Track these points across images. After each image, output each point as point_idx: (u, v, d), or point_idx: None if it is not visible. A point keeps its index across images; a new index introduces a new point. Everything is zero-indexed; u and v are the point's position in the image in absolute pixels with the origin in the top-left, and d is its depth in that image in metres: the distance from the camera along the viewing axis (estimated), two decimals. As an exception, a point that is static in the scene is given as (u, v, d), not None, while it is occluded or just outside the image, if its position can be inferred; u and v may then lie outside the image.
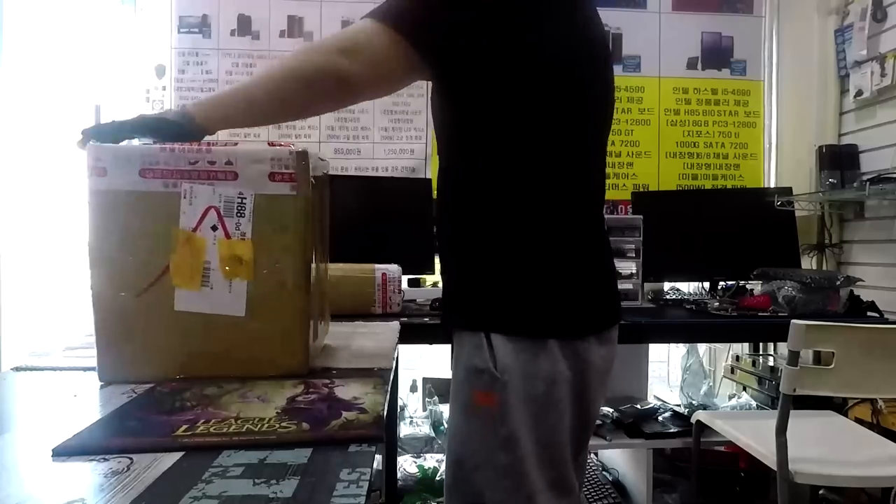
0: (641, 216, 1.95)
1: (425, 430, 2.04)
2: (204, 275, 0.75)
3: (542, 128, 0.82)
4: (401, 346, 1.15)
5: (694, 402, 2.11)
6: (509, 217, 0.82)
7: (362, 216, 1.94)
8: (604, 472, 2.12)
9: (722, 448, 1.95)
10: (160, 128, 0.75)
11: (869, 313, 1.76)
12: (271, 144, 0.77)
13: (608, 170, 2.47)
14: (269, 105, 0.81)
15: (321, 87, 0.78)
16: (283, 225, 0.76)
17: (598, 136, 0.90)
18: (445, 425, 1.98)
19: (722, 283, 2.09)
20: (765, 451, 1.36)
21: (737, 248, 2.11)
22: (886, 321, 1.68)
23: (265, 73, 0.81)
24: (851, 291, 1.81)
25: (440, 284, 2.17)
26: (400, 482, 1.87)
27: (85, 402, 0.67)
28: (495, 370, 0.79)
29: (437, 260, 2.12)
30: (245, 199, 0.75)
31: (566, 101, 0.83)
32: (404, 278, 1.72)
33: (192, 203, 0.74)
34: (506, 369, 0.79)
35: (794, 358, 1.28)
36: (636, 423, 1.89)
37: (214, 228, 0.75)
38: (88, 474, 0.48)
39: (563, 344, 0.81)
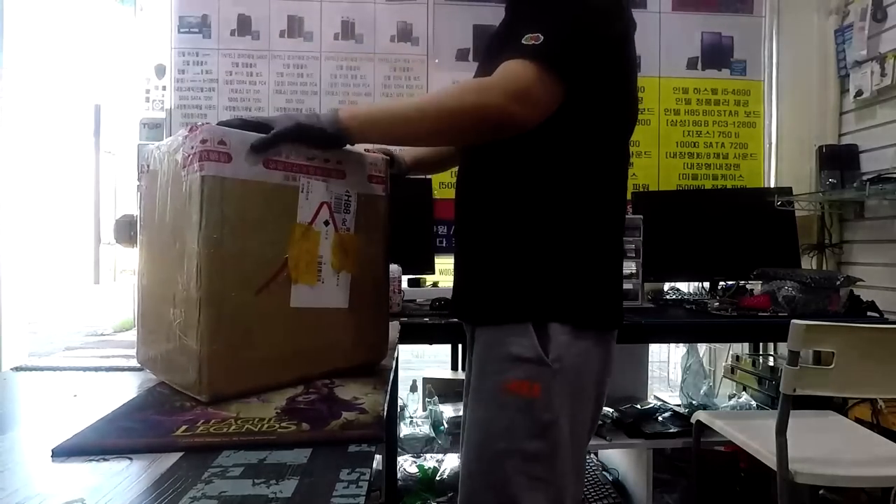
0: (641, 216, 1.95)
1: (425, 430, 2.04)
2: (319, 269, 0.76)
3: (611, 138, 0.90)
4: (401, 346, 1.15)
5: (694, 402, 2.10)
6: (569, 215, 0.87)
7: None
8: (604, 472, 2.12)
9: (722, 448, 1.95)
10: (316, 136, 0.75)
11: (869, 313, 1.76)
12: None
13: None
14: (424, 134, 0.85)
15: (485, 126, 0.81)
16: (375, 223, 0.83)
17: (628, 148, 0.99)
18: (445, 425, 1.98)
19: (722, 283, 2.09)
20: (765, 451, 1.36)
21: (737, 248, 2.11)
22: (886, 321, 1.68)
23: (430, 101, 0.87)
24: (851, 291, 1.81)
25: (440, 284, 2.17)
26: (400, 482, 1.87)
27: (85, 402, 0.67)
28: (546, 358, 0.81)
29: (436, 259, 2.12)
30: (351, 196, 0.80)
31: (629, 115, 0.93)
32: (404, 278, 1.72)
33: (309, 198, 0.75)
34: (559, 358, 0.82)
35: (794, 358, 1.28)
36: (636, 423, 1.89)
37: (326, 223, 0.77)
38: (88, 474, 0.48)
39: (599, 335, 0.87)
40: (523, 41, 0.79)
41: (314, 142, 0.75)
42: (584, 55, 0.81)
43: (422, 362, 2.28)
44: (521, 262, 0.86)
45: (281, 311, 0.71)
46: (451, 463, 1.92)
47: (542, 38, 0.78)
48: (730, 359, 2.34)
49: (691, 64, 2.47)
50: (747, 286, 2.04)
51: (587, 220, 0.88)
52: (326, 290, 0.76)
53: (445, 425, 1.97)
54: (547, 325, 0.82)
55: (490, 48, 0.97)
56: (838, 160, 2.06)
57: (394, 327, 1.22)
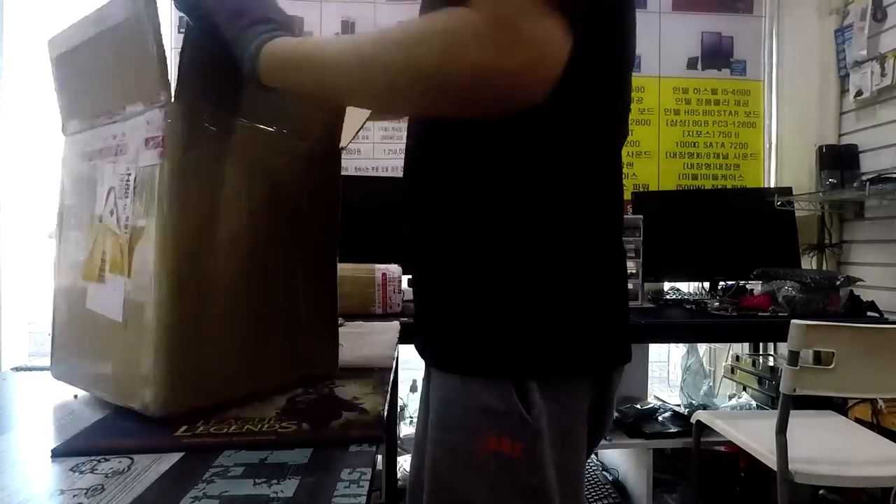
0: (641, 216, 1.95)
1: (425, 430, 2.04)
2: (101, 268, 0.62)
3: (606, 129, 0.67)
4: (401, 346, 1.15)
5: (694, 402, 2.11)
6: (551, 233, 0.64)
7: (362, 216, 1.94)
8: (604, 472, 2.12)
9: (722, 448, 1.95)
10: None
11: (869, 313, 1.76)
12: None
13: (608, 170, 2.47)
14: (365, 98, 0.62)
15: (457, 97, 0.51)
16: (147, 208, 0.57)
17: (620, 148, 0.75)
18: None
19: (722, 283, 2.09)
20: (765, 451, 1.36)
21: (737, 248, 2.11)
22: (886, 321, 1.68)
23: (379, 51, 0.53)
24: (851, 291, 1.81)
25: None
26: (400, 482, 1.87)
27: (85, 402, 0.67)
28: (528, 416, 0.62)
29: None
30: (130, 175, 0.59)
31: (619, 103, 0.69)
32: (404, 278, 1.71)
33: (102, 184, 0.63)
34: (541, 415, 0.63)
35: (794, 358, 1.28)
36: (636, 423, 1.89)
37: (112, 213, 0.61)
38: (89, 474, 0.48)
39: (595, 378, 0.69)
40: None
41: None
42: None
43: (422, 362, 2.27)
44: (495, 298, 0.64)
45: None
46: (451, 463, 1.92)
47: None
48: (730, 359, 2.34)
49: (691, 64, 2.47)
50: (747, 286, 2.04)
51: (579, 239, 0.65)
52: (104, 295, 0.62)
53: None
54: (528, 381, 0.63)
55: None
56: (838, 160, 2.06)
57: (394, 327, 1.22)
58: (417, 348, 0.77)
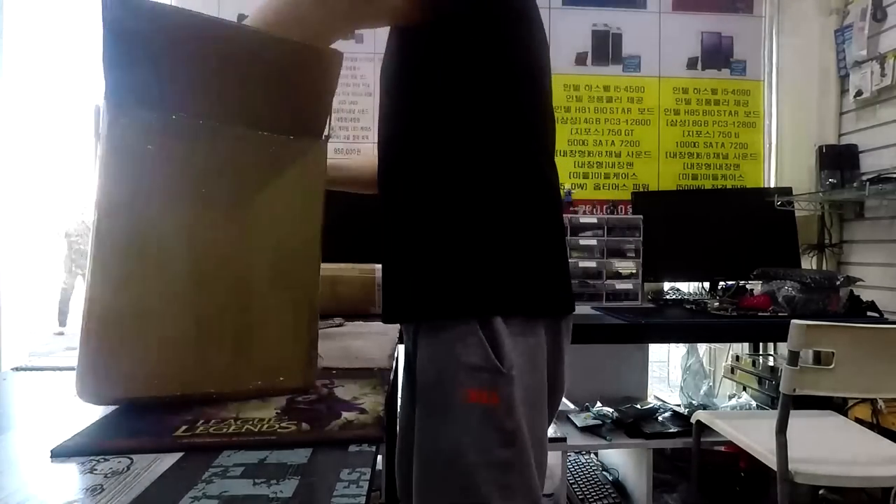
0: (641, 216, 1.95)
1: (425, 430, 2.03)
2: None
3: (530, 92, 0.81)
4: (400, 347, 1.15)
5: (694, 402, 2.11)
6: (496, 187, 0.76)
7: (362, 216, 1.93)
8: (604, 472, 2.12)
9: (722, 448, 1.95)
10: None
11: (869, 313, 1.76)
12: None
13: (609, 170, 2.47)
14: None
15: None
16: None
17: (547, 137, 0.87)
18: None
19: (722, 283, 2.09)
20: (765, 451, 1.36)
21: (737, 248, 2.11)
22: (886, 321, 1.68)
23: None
24: (851, 291, 1.81)
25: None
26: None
27: (85, 403, 0.67)
28: (501, 366, 0.73)
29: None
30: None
31: (532, 91, 0.82)
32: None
33: None
34: (512, 364, 0.73)
35: (794, 358, 1.28)
36: (636, 423, 1.89)
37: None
38: (88, 474, 0.48)
39: (551, 323, 0.79)
40: None
41: None
42: None
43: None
44: (452, 244, 0.75)
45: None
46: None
47: None
48: (730, 359, 2.34)
49: (691, 64, 2.47)
50: (747, 286, 2.04)
51: (517, 185, 0.78)
52: None
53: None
54: (493, 321, 0.73)
55: None
56: (838, 160, 2.06)
57: (394, 327, 1.22)
58: (391, 316, 0.84)
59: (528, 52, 0.81)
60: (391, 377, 0.82)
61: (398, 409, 0.96)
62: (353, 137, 2.36)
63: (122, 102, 0.59)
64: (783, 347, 1.92)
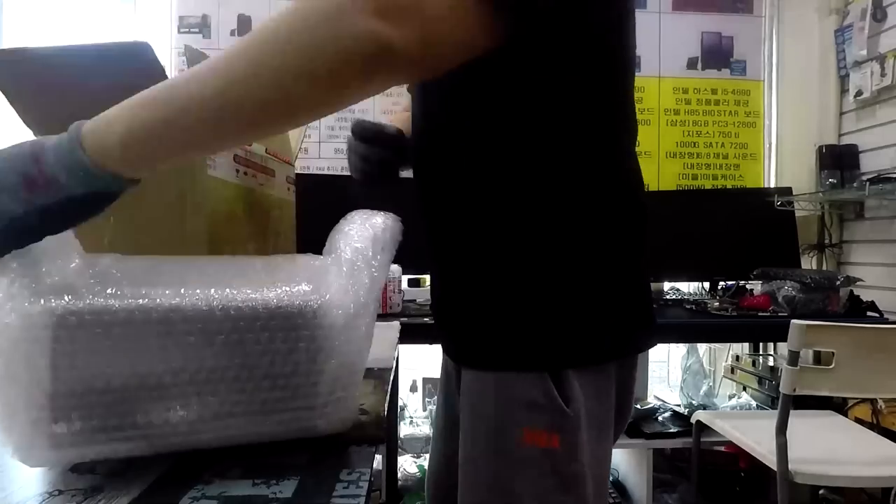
0: (641, 216, 1.94)
1: (425, 430, 2.04)
2: None
3: (607, 116, 0.65)
4: (401, 346, 1.15)
5: (694, 402, 2.10)
6: (573, 227, 0.63)
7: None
8: (604, 472, 2.12)
9: (722, 448, 1.95)
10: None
11: (869, 313, 1.76)
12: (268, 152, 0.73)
13: (608, 170, 2.47)
14: (234, 127, 0.46)
15: (338, 73, 0.44)
16: None
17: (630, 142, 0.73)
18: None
19: (722, 283, 2.09)
20: (765, 451, 1.36)
21: (737, 248, 2.11)
22: (886, 321, 1.68)
23: (231, 66, 0.44)
24: (851, 291, 1.81)
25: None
26: (400, 482, 1.87)
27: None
28: (566, 408, 0.63)
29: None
30: None
31: (623, 84, 0.66)
32: (404, 278, 1.72)
33: None
34: (580, 407, 0.64)
35: (794, 358, 1.28)
36: (636, 423, 1.89)
37: None
38: (87, 474, 0.48)
39: (620, 363, 0.69)
40: None
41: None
42: None
43: (422, 362, 2.28)
44: (525, 292, 0.64)
45: None
46: (450, 463, 1.92)
47: None
48: (730, 359, 2.34)
49: (691, 64, 2.47)
50: (747, 286, 2.04)
51: (599, 231, 0.64)
52: None
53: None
54: (565, 372, 0.64)
55: None
56: (838, 160, 2.06)
57: (394, 327, 1.22)
58: (445, 350, 0.76)
59: (621, 34, 0.64)
60: (391, 377, 0.82)
61: (433, 420, 0.89)
62: (353, 137, 2.35)
63: (36, 132, 0.65)
64: (783, 347, 1.92)
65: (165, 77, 0.50)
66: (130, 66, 0.63)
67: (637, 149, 0.75)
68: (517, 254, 0.63)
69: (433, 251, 0.72)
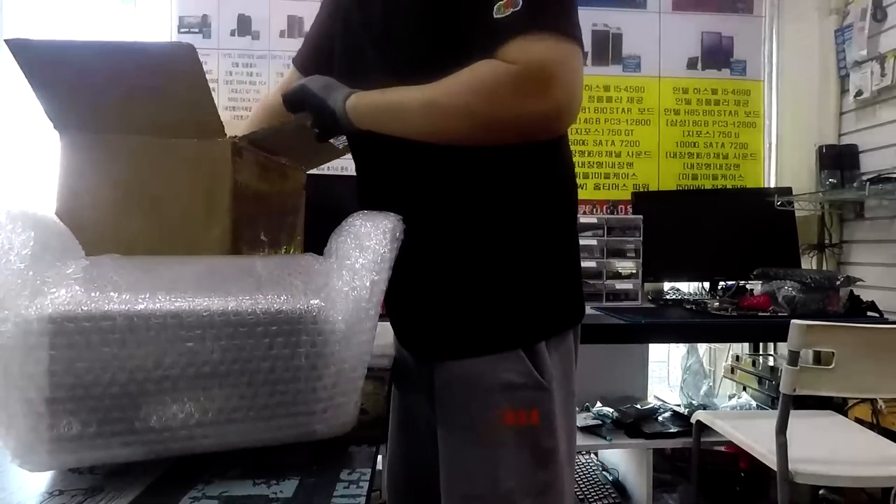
0: (641, 216, 1.95)
1: (425, 430, 2.03)
2: None
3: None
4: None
5: (694, 402, 2.10)
6: (529, 207, 0.72)
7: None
8: (604, 472, 2.12)
9: (722, 448, 1.95)
10: (328, 119, 0.71)
11: (869, 313, 1.76)
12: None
13: (608, 170, 2.47)
14: (433, 138, 0.67)
15: (516, 138, 0.65)
16: None
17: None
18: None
19: (722, 283, 2.09)
20: (765, 451, 1.36)
21: (737, 248, 2.11)
22: (886, 321, 1.68)
23: (449, 107, 0.64)
24: (851, 291, 1.81)
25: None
26: (400, 482, 1.87)
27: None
28: (543, 380, 0.69)
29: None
30: None
31: None
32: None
33: None
34: (552, 378, 0.70)
35: (794, 358, 1.28)
36: (636, 423, 1.89)
37: None
38: (88, 475, 0.48)
39: (574, 331, 0.77)
40: (497, 14, 0.59)
41: (323, 124, 0.72)
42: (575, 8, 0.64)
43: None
44: (494, 278, 0.71)
45: None
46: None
47: (520, 1, 0.59)
48: (730, 359, 2.34)
49: (691, 64, 2.47)
50: (747, 286, 2.04)
51: (546, 209, 0.74)
52: None
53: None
54: (537, 346, 0.70)
55: (396, 42, 0.71)
56: (838, 160, 2.06)
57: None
58: (413, 349, 0.79)
59: None
60: (391, 377, 0.82)
61: (390, 419, 0.89)
62: (353, 137, 2.35)
63: (61, 127, 0.68)
64: (783, 347, 1.92)
65: (204, 80, 0.65)
66: (171, 67, 0.65)
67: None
68: (478, 246, 0.71)
69: (416, 265, 0.72)
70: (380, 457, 1.60)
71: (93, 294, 0.45)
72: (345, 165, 2.34)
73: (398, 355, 0.86)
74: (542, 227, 0.73)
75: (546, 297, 0.72)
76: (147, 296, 0.46)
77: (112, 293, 0.45)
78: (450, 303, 0.72)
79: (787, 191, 2.16)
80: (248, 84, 2.30)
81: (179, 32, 2.28)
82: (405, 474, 0.88)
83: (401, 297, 0.76)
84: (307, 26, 2.37)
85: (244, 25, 2.31)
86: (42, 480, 0.47)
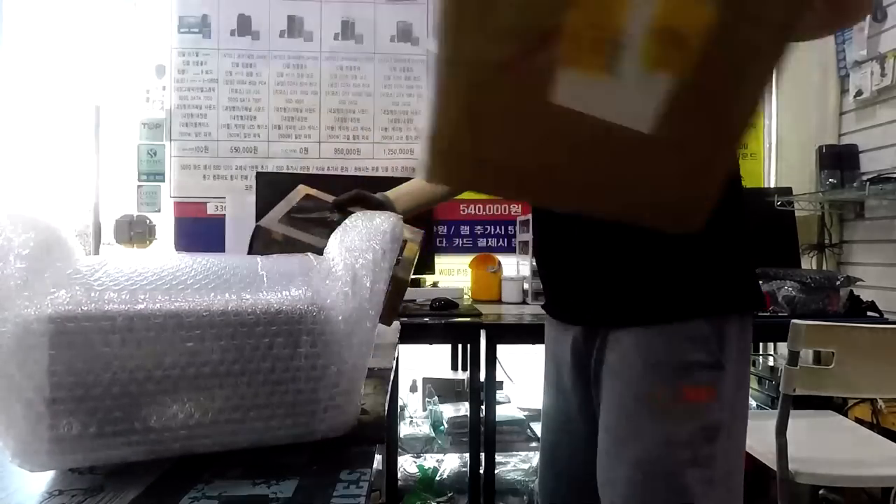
0: (641, 216, 1.94)
1: (425, 430, 2.04)
2: (613, 55, 0.44)
3: None
4: (401, 346, 1.15)
5: (694, 402, 2.10)
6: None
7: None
8: (604, 472, 2.11)
9: (722, 448, 1.95)
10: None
11: (869, 313, 1.76)
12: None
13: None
14: None
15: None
16: None
17: None
18: (445, 425, 1.98)
19: (722, 283, 2.08)
20: (765, 451, 1.36)
21: (737, 248, 2.11)
22: (886, 321, 1.68)
23: None
24: (851, 291, 1.81)
25: (440, 284, 2.17)
26: (400, 482, 1.87)
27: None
28: (721, 358, 0.73)
29: (436, 259, 2.12)
30: None
31: None
32: (404, 278, 1.71)
33: None
34: (730, 356, 0.74)
35: (794, 358, 1.28)
36: (636, 423, 1.89)
37: None
38: (88, 475, 0.48)
39: (752, 317, 0.80)
40: None
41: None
42: None
43: (422, 362, 2.28)
44: (688, 244, 0.69)
45: (536, 107, 0.45)
46: (450, 463, 1.92)
47: None
48: (730, 359, 2.34)
49: (691, 64, 2.47)
50: (747, 286, 2.03)
51: (738, 213, 0.78)
52: (621, 95, 0.46)
53: (445, 425, 1.97)
54: (719, 319, 0.73)
55: None
56: (838, 160, 2.06)
57: (394, 327, 1.22)
58: (582, 318, 0.82)
59: None
60: (391, 377, 0.82)
61: (544, 410, 0.95)
62: (353, 137, 2.36)
63: None
64: (783, 347, 1.92)
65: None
66: None
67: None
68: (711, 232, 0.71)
69: (584, 233, 0.78)
70: (379, 457, 1.59)
71: (93, 294, 0.45)
72: (345, 166, 2.34)
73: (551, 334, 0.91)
74: (733, 203, 0.74)
75: (732, 273, 0.76)
76: (147, 296, 0.46)
77: (112, 293, 0.45)
78: (639, 267, 0.75)
79: (787, 191, 2.16)
80: (248, 84, 2.30)
81: (179, 32, 2.28)
82: (583, 469, 0.88)
83: (585, 263, 0.80)
84: (307, 26, 2.39)
85: (244, 25, 2.31)
86: (42, 480, 0.47)
